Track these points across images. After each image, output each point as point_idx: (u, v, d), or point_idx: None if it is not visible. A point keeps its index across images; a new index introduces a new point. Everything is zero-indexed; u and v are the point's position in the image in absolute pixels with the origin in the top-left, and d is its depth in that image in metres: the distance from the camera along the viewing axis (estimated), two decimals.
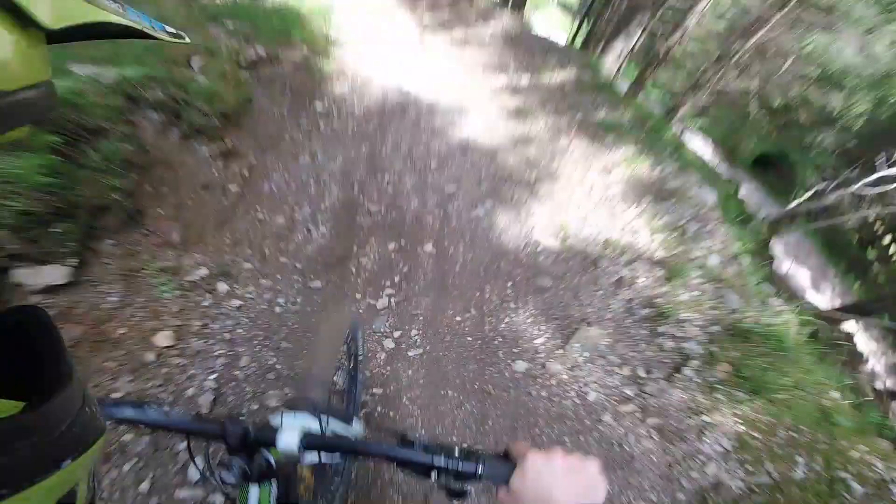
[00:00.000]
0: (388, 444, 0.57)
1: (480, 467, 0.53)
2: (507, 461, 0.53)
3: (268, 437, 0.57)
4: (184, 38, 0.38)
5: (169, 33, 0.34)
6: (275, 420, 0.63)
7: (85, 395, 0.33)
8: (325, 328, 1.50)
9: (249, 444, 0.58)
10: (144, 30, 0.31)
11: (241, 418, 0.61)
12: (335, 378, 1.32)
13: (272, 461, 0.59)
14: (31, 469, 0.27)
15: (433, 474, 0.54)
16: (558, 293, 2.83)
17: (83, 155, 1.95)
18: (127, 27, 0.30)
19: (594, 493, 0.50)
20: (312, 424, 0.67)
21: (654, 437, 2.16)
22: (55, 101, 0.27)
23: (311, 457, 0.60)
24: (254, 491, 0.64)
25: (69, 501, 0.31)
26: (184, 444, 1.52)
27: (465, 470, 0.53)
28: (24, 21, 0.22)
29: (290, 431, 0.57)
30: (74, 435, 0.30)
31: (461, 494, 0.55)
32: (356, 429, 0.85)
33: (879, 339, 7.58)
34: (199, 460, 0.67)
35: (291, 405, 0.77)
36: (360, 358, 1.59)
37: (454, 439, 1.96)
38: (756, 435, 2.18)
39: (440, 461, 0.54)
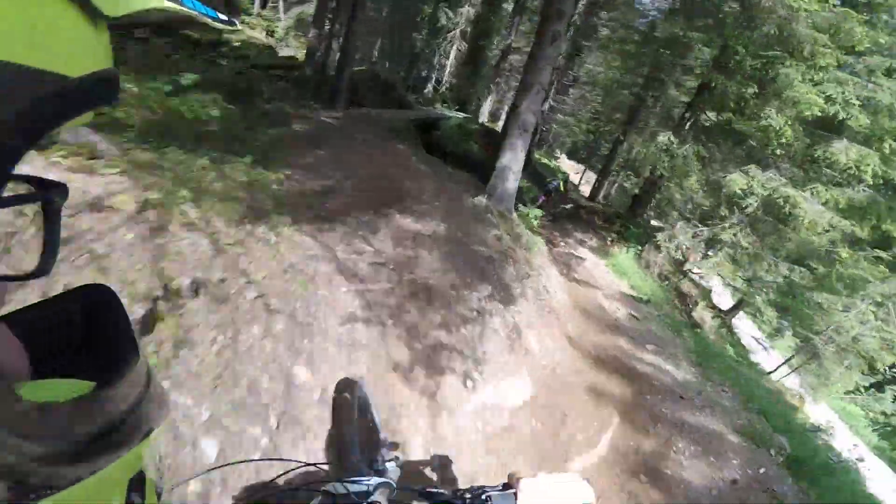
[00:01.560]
0: (412, 495, 0.69)
1: (488, 499, 0.64)
2: (508, 491, 0.63)
3: None
4: (235, 25, 0.39)
5: (221, 20, 0.34)
6: (303, 495, 0.76)
7: (150, 377, 0.34)
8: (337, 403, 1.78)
9: None
10: (198, 17, 0.31)
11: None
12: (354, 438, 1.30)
13: None
14: (105, 449, 0.28)
15: None
16: None
17: None
18: (182, 14, 0.30)
19: (585, 495, 0.60)
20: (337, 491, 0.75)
21: None
22: (118, 88, 0.26)
23: None
24: None
25: (140, 480, 0.34)
26: None
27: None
28: (87, 9, 0.22)
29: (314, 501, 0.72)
30: (139, 417, 0.32)
31: None
32: (388, 475, 0.87)
33: None
34: None
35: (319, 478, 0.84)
36: (373, 412, 1.66)
37: None
38: None
39: (446, 500, 0.66)
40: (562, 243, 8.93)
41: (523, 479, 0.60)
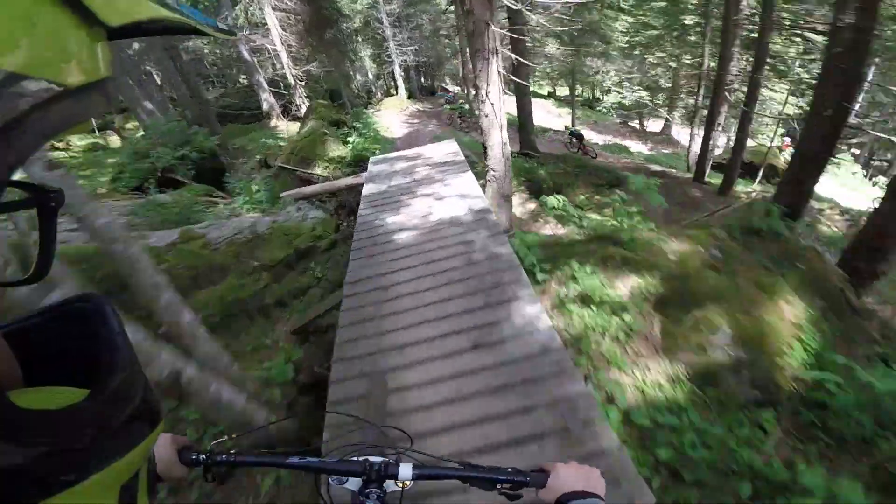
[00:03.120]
0: (467, 469, 0.77)
1: (528, 478, 0.75)
2: (543, 472, 0.76)
3: (392, 472, 0.78)
4: (234, 34, 0.40)
5: (220, 30, 0.34)
6: (380, 461, 0.80)
7: (145, 383, 0.34)
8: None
9: (381, 476, 0.78)
10: (197, 26, 0.31)
11: (359, 458, 0.80)
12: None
13: (397, 488, 0.79)
14: (98, 455, 0.28)
15: (498, 487, 0.76)
16: None
17: None
18: (180, 23, 0.30)
19: (598, 486, 0.74)
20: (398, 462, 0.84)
21: None
22: (114, 98, 0.24)
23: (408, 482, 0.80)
24: None
25: (132, 484, 0.32)
26: None
27: (519, 480, 0.75)
28: (86, 18, 0.22)
29: (406, 467, 0.78)
30: (136, 422, 0.32)
31: (518, 497, 0.77)
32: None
33: None
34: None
35: (372, 452, 0.90)
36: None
37: None
38: None
39: (502, 477, 0.76)
40: None
41: (558, 464, 0.76)
